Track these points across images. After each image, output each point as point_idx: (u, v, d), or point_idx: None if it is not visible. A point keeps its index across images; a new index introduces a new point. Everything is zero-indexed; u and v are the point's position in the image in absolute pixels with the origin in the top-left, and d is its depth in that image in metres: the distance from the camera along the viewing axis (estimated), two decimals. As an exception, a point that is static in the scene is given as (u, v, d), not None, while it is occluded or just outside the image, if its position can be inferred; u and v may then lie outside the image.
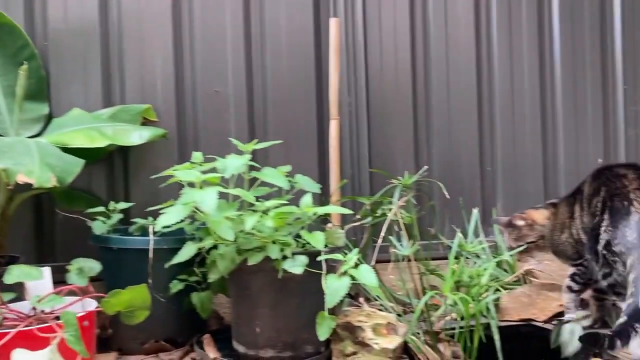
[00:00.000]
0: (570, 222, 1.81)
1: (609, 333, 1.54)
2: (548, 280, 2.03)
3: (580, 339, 1.62)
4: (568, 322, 1.71)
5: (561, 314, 1.87)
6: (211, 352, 1.65)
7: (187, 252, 1.60)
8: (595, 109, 2.62)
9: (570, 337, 1.66)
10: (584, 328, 1.69)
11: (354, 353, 1.59)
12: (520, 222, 1.85)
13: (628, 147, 2.63)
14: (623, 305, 1.64)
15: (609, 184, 1.71)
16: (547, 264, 2.00)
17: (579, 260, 1.79)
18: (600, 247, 1.64)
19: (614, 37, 2.63)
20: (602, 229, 1.64)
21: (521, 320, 1.87)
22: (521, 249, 1.83)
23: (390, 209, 1.89)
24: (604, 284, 1.67)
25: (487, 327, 1.64)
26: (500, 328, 1.66)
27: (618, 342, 1.50)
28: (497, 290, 1.69)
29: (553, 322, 1.82)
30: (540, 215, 1.86)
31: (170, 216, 1.49)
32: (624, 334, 1.49)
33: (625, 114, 2.64)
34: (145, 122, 2.21)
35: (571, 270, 1.82)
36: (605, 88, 2.63)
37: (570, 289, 1.79)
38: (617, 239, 1.60)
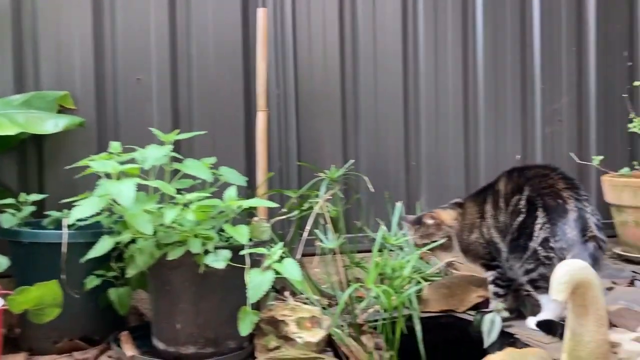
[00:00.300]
0: (480, 222, 1.86)
1: (561, 322, 1.61)
2: (468, 272, 2.09)
3: (538, 325, 1.68)
4: (490, 312, 1.77)
5: (480, 304, 1.94)
6: (129, 349, 1.59)
7: (103, 246, 1.54)
8: (515, 108, 2.73)
9: (491, 326, 1.72)
10: (504, 319, 1.76)
11: (277, 347, 1.58)
12: (430, 221, 1.88)
13: (544, 145, 2.76)
14: (543, 297, 1.71)
15: (533, 184, 1.76)
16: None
17: (492, 261, 1.84)
18: (534, 244, 1.69)
19: (532, 38, 2.74)
20: (537, 226, 1.69)
21: (442, 311, 1.92)
22: (427, 248, 1.83)
23: (316, 203, 1.88)
24: (524, 279, 1.73)
25: (410, 318, 1.67)
26: (421, 319, 1.69)
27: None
28: (419, 282, 1.72)
29: (471, 313, 1.88)
30: (448, 216, 1.90)
31: (84, 209, 1.42)
32: None
33: (542, 112, 2.76)
34: (62, 110, 2.10)
35: (490, 274, 1.85)
36: (524, 88, 2.74)
37: (497, 295, 1.84)
38: (558, 235, 1.66)
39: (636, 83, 2.69)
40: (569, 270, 1.29)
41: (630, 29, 2.87)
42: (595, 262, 1.62)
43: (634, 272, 2.33)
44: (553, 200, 1.71)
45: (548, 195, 1.72)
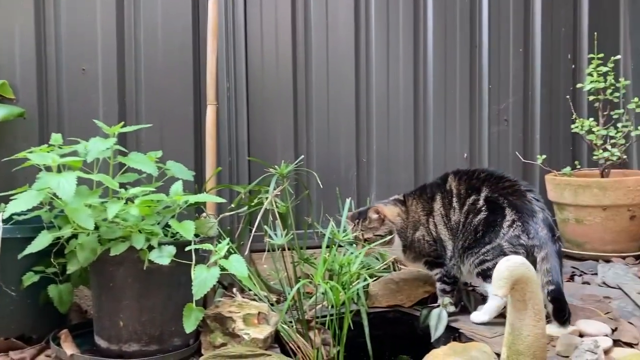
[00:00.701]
0: (427, 219, 1.88)
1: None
2: (415, 268, 2.12)
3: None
4: (437, 306, 1.80)
5: (426, 299, 1.97)
6: (68, 348, 1.54)
7: (41, 241, 1.48)
8: (463, 107, 2.78)
9: (438, 320, 1.75)
10: (449, 314, 1.79)
11: (224, 344, 1.56)
12: (374, 215, 1.89)
13: (491, 144, 2.83)
14: (489, 287, 1.75)
15: (490, 185, 1.81)
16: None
17: (438, 259, 1.87)
18: (500, 240, 1.74)
19: (482, 38, 2.80)
20: (506, 223, 1.74)
21: (389, 306, 1.94)
22: (370, 246, 1.83)
23: (266, 198, 1.87)
24: (476, 270, 1.77)
25: (358, 313, 1.68)
26: (369, 314, 1.71)
27: None
28: (367, 278, 1.73)
29: (417, 308, 1.91)
30: (390, 212, 1.91)
31: (21, 202, 1.37)
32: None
33: (489, 112, 2.83)
34: (0, 100, 2.02)
35: (436, 272, 1.89)
36: (473, 87, 2.80)
37: (444, 291, 1.87)
38: (531, 233, 1.72)
39: (579, 85, 2.78)
40: (509, 266, 1.32)
41: (574, 32, 2.98)
42: (560, 260, 1.72)
43: (573, 267, 2.42)
44: (519, 200, 1.76)
45: (511, 195, 1.78)
